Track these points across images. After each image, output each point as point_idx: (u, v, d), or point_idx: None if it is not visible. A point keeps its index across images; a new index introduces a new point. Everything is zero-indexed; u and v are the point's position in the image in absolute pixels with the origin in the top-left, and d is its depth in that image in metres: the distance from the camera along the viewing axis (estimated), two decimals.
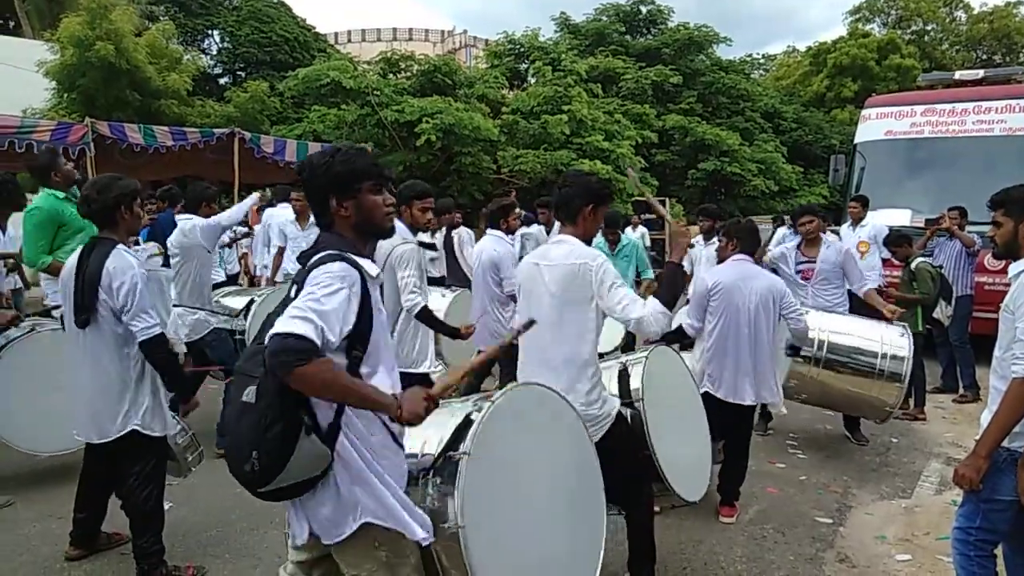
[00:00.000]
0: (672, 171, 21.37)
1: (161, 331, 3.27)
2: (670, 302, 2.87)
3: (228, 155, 10.28)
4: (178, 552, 3.66)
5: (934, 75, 13.19)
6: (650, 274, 6.89)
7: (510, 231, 5.41)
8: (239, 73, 24.14)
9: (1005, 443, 2.54)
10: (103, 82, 14.82)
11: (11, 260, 6.10)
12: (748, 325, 4.22)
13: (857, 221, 8.28)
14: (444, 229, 8.87)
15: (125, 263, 3.22)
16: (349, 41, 41.93)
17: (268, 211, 7.61)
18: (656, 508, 3.46)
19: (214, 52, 24.98)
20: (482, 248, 5.29)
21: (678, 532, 4.10)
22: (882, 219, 8.56)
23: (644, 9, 24.86)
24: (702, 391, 4.12)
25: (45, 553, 3.77)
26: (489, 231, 5.39)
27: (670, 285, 2.95)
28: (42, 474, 4.76)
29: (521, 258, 4.25)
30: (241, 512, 4.19)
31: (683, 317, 4.45)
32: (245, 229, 6.93)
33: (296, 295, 1.96)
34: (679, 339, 4.36)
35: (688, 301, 4.57)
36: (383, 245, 4.40)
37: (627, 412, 3.23)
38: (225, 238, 6.82)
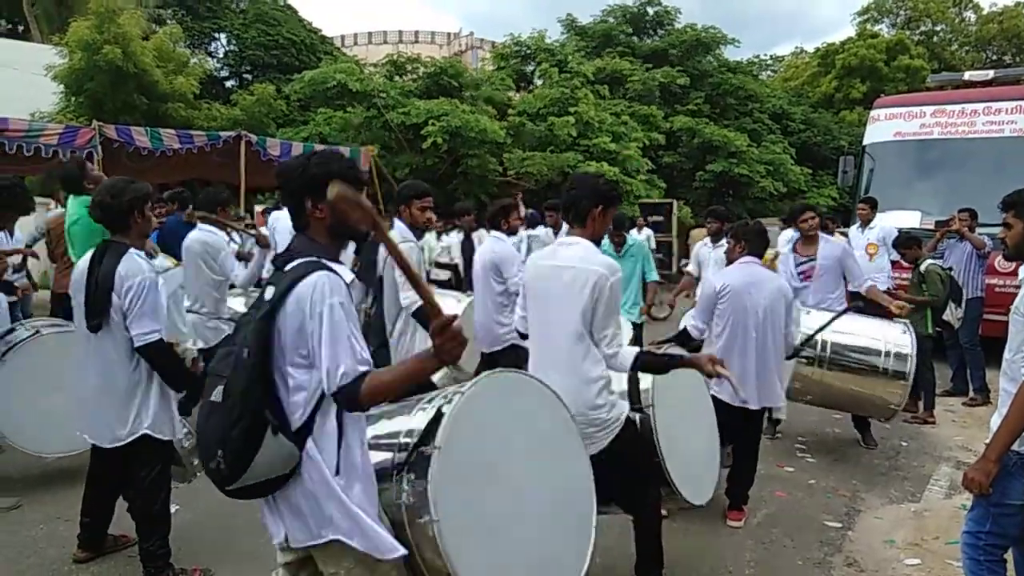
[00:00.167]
0: (680, 173, 21.28)
1: (160, 337, 3.27)
2: (641, 367, 2.99)
3: (234, 158, 10.31)
4: (184, 555, 3.66)
5: (943, 76, 13.11)
6: (655, 276, 6.87)
7: (511, 232, 5.41)
8: (246, 76, 24.20)
9: (1015, 447, 2.52)
10: (111, 86, 14.90)
11: (22, 256, 6.13)
12: (756, 328, 4.19)
13: (866, 223, 8.24)
14: (462, 232, 8.89)
15: (136, 267, 3.24)
16: (355, 44, 42.05)
17: (274, 214, 7.65)
18: (663, 511, 3.45)
19: (221, 55, 25.04)
20: (484, 249, 5.29)
21: (686, 536, 4.08)
22: (891, 221, 8.51)
23: (651, 11, 24.76)
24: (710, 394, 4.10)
25: (52, 555, 3.78)
26: (490, 232, 5.39)
27: (656, 364, 3.01)
28: (49, 476, 4.77)
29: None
30: (245, 515, 4.17)
31: (689, 320, 4.43)
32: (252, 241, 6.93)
33: (271, 298, 2.02)
34: (685, 342, 4.34)
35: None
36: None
37: (636, 416, 3.22)
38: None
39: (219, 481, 2.03)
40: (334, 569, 2.13)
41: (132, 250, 3.29)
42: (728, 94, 23.11)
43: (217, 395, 2.00)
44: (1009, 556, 2.76)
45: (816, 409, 5.96)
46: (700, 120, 21.04)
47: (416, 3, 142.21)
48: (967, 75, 11.51)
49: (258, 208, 13.69)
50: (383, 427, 2.45)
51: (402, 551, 2.11)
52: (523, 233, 7.87)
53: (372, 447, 2.26)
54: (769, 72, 34.15)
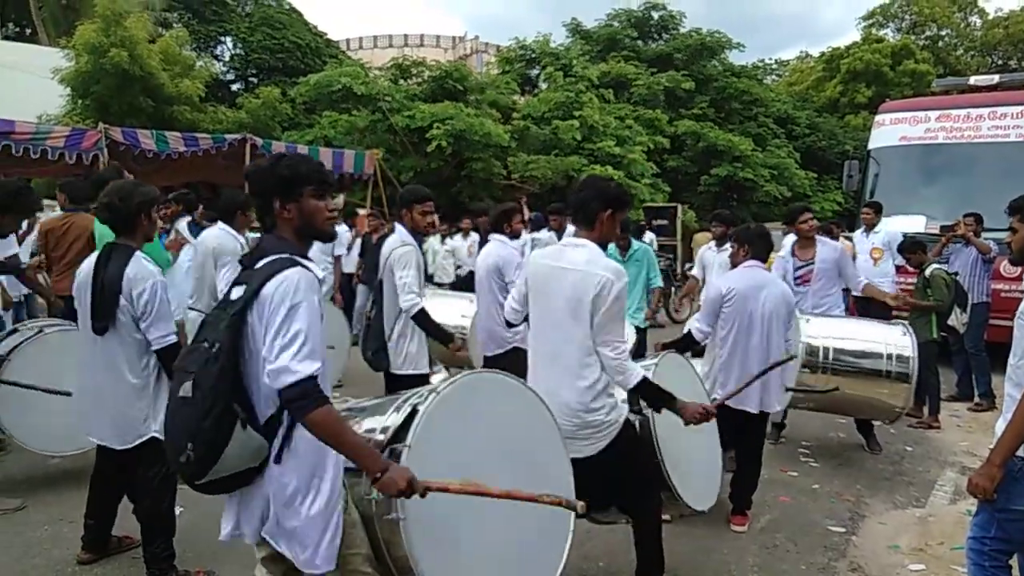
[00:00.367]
0: (684, 177, 21.27)
1: (176, 340, 3.29)
2: (642, 393, 2.99)
3: (240, 161, 10.33)
4: (188, 557, 3.66)
5: (949, 80, 13.10)
6: (659, 281, 6.86)
7: (514, 235, 5.41)
8: (251, 79, 24.28)
9: (1020, 452, 2.51)
10: (117, 88, 14.98)
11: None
12: (759, 333, 4.19)
13: (870, 227, 8.23)
14: (478, 235, 8.90)
15: (145, 271, 3.25)
16: (361, 47, 42.04)
17: None
18: (665, 516, 3.43)
19: (227, 58, 25.14)
20: (486, 253, 5.29)
21: (688, 541, 4.06)
22: (896, 225, 8.50)
23: (656, 15, 24.78)
24: (712, 398, 4.09)
25: (57, 556, 3.78)
26: (493, 236, 5.39)
27: (652, 397, 3.01)
28: (54, 478, 4.78)
29: None
30: None
31: (693, 323, 4.42)
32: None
33: (243, 294, 2.04)
34: (689, 346, 4.33)
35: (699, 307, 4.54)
36: (383, 247, 4.42)
37: (636, 419, 3.21)
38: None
39: (189, 475, 2.05)
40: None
41: (138, 253, 3.31)
42: (733, 98, 23.10)
43: (186, 391, 2.02)
44: (1014, 562, 2.74)
45: (820, 414, 5.94)
46: (705, 124, 21.04)
47: (421, 7, 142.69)
48: (972, 80, 11.48)
49: None
50: (361, 424, 2.47)
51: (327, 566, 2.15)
52: (527, 236, 7.87)
53: None
54: (774, 76, 34.16)
